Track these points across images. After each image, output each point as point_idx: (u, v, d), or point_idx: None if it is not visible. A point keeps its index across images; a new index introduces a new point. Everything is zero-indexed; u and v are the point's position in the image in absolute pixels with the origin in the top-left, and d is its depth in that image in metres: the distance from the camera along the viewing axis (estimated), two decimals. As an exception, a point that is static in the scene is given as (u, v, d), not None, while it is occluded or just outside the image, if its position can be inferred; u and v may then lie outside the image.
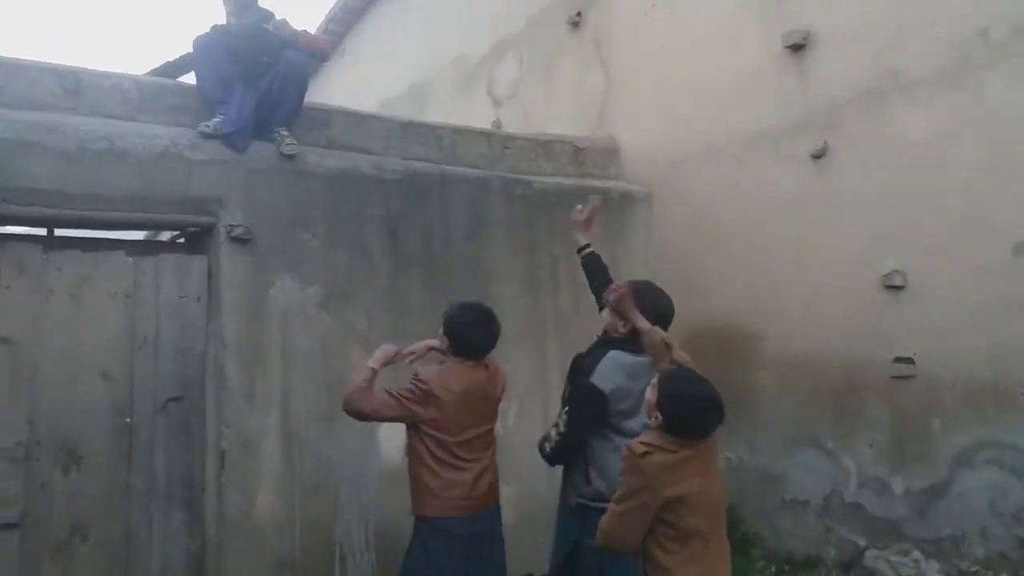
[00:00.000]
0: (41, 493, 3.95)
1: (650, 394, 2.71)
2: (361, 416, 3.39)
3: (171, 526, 4.19)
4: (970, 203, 4.16)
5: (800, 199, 5.00)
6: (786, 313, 5.03)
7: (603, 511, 2.93)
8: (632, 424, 3.16)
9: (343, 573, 4.41)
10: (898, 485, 4.37)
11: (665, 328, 3.23)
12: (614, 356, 3.19)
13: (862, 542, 4.51)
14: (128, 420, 4.15)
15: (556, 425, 3.22)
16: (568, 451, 3.19)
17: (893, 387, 4.44)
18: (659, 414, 2.64)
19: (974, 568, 3.96)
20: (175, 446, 4.24)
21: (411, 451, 3.42)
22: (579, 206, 3.83)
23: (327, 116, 5.09)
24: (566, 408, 3.23)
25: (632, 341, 3.25)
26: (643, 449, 2.59)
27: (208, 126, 4.41)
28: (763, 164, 5.25)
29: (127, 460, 4.13)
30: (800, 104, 5.04)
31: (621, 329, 3.28)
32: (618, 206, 5.92)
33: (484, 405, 3.52)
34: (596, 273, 3.77)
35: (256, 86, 4.59)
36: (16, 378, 3.94)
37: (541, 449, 3.32)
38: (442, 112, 8.13)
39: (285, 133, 4.60)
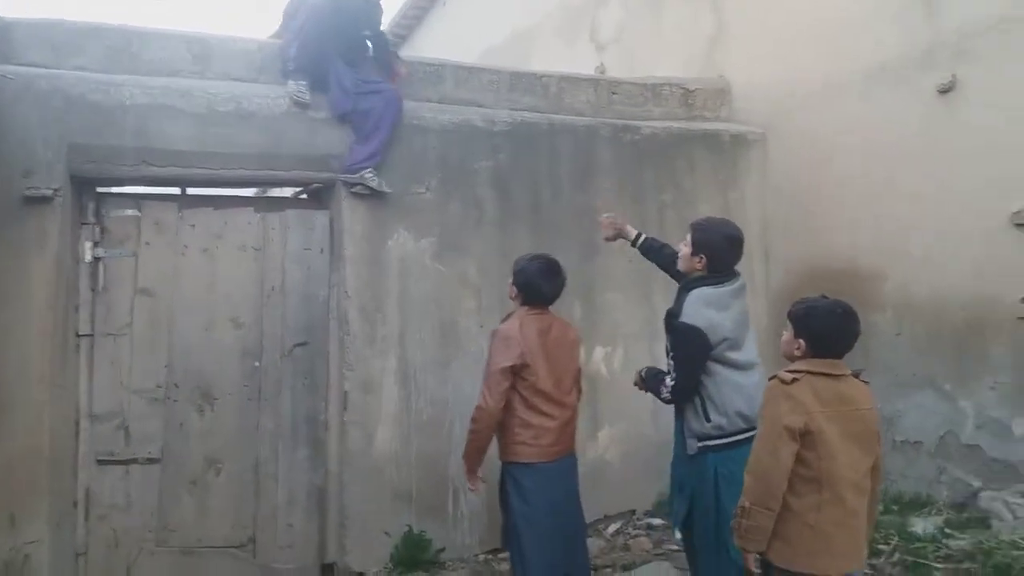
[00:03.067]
0: (179, 431, 4.35)
1: (785, 334, 2.75)
2: (494, 413, 3.55)
3: (297, 461, 4.51)
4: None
5: (925, 135, 4.79)
6: (908, 254, 4.86)
7: (725, 447, 2.97)
8: (739, 356, 3.20)
9: (456, 505, 4.64)
10: (1019, 427, 4.25)
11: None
12: (697, 293, 3.23)
13: (977, 483, 4.41)
14: (257, 364, 4.48)
15: (668, 373, 3.27)
16: (686, 392, 3.22)
17: (1020, 328, 4.27)
18: (801, 342, 2.67)
19: (1097, 509, 3.82)
20: (301, 388, 4.54)
21: (504, 405, 3.59)
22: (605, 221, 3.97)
23: (439, 71, 5.20)
24: (671, 354, 3.27)
25: (712, 276, 3.29)
26: (791, 376, 2.62)
27: (303, 95, 4.44)
28: (885, 100, 5.04)
29: (256, 401, 4.47)
30: (926, 35, 4.80)
31: (698, 266, 3.31)
32: (730, 149, 5.81)
33: (561, 352, 3.66)
34: (658, 253, 3.84)
35: (353, 62, 4.58)
36: (156, 327, 4.32)
37: (656, 393, 3.36)
38: (545, 59, 8.09)
39: (370, 175, 4.48)
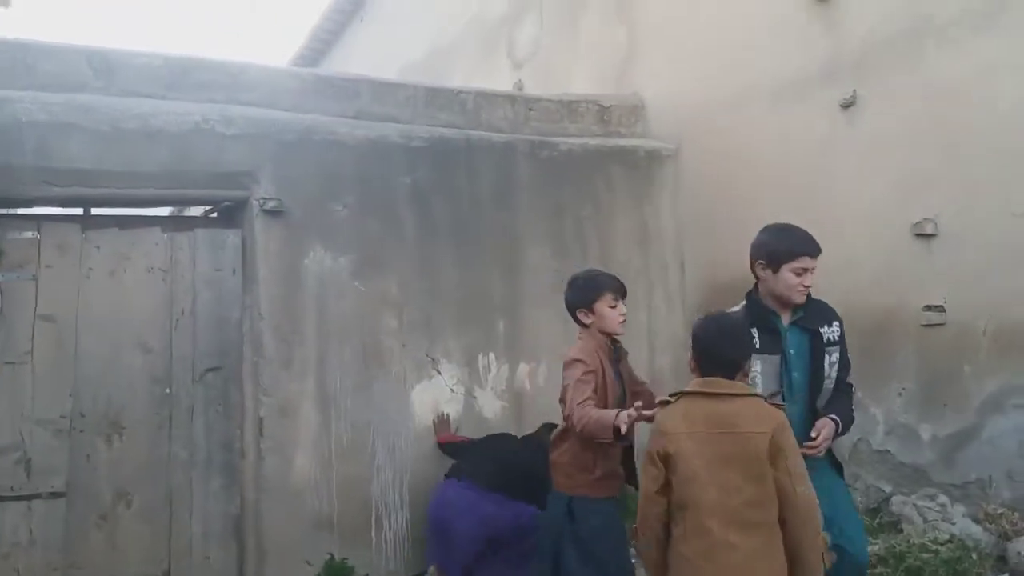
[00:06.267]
0: (86, 463, 4.14)
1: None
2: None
3: (211, 491, 4.35)
4: (1006, 144, 4.04)
5: (829, 148, 4.91)
6: (818, 263, 4.97)
7: None
8: None
9: (379, 531, 4.54)
10: (926, 431, 4.37)
11: None
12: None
13: (888, 488, 4.51)
14: (168, 390, 4.31)
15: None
16: None
17: (923, 335, 4.40)
18: (695, 359, 2.62)
19: (1000, 510, 3.94)
20: (214, 414, 4.39)
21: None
22: None
23: (356, 86, 5.11)
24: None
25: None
26: (667, 399, 2.60)
27: None
28: (791, 114, 5.15)
29: (168, 429, 4.29)
30: (828, 52, 4.92)
31: None
32: (645, 165, 5.87)
33: (616, 378, 3.29)
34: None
35: None
36: (60, 353, 4.11)
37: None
38: (462, 76, 8.10)
39: None
